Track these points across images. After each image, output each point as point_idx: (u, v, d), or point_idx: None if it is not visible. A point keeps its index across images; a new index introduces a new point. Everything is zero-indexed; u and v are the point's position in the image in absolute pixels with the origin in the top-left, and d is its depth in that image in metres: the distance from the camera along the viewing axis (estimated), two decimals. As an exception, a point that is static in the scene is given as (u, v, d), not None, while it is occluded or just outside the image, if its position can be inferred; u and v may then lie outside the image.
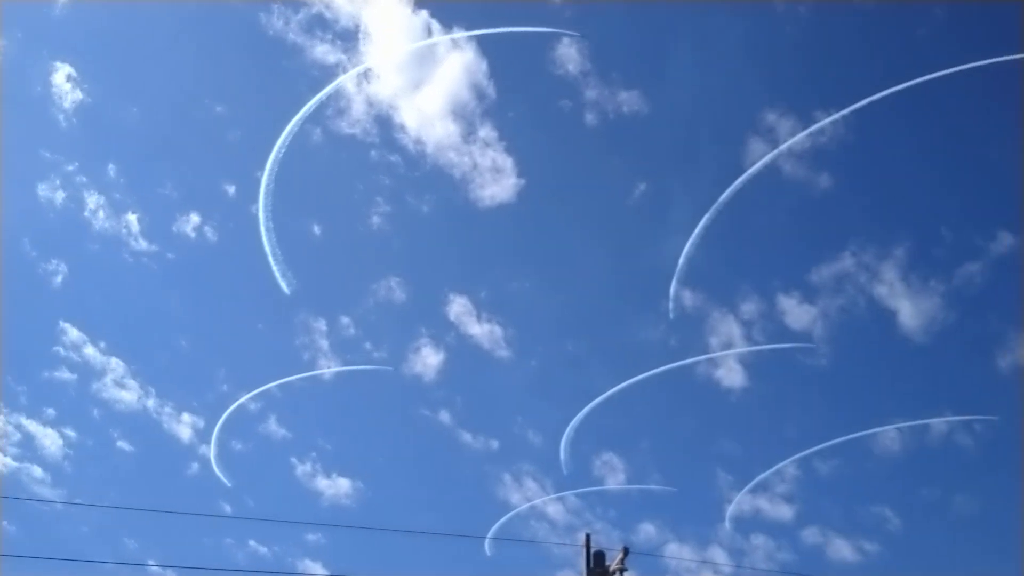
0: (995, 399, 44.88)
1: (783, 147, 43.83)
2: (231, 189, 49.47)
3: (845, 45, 48.39)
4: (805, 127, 44.06)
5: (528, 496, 47.47)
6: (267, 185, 41.71)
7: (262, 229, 41.68)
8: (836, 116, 41.98)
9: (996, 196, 47.55)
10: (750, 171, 41.19)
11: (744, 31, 48.82)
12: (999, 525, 44.68)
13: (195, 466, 48.02)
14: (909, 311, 45.38)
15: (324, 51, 47.12)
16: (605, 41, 49.31)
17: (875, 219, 48.97)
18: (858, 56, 47.93)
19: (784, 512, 45.04)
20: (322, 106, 45.56)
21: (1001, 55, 38.64)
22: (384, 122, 49.31)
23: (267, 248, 41.81)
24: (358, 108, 48.66)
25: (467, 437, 49.73)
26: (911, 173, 48.62)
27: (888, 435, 44.10)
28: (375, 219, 50.73)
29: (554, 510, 46.71)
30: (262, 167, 41.38)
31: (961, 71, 37.76)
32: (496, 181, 49.32)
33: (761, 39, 48.90)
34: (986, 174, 47.62)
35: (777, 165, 44.18)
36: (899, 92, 37.81)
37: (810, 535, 45.42)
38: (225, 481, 45.48)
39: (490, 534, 36.14)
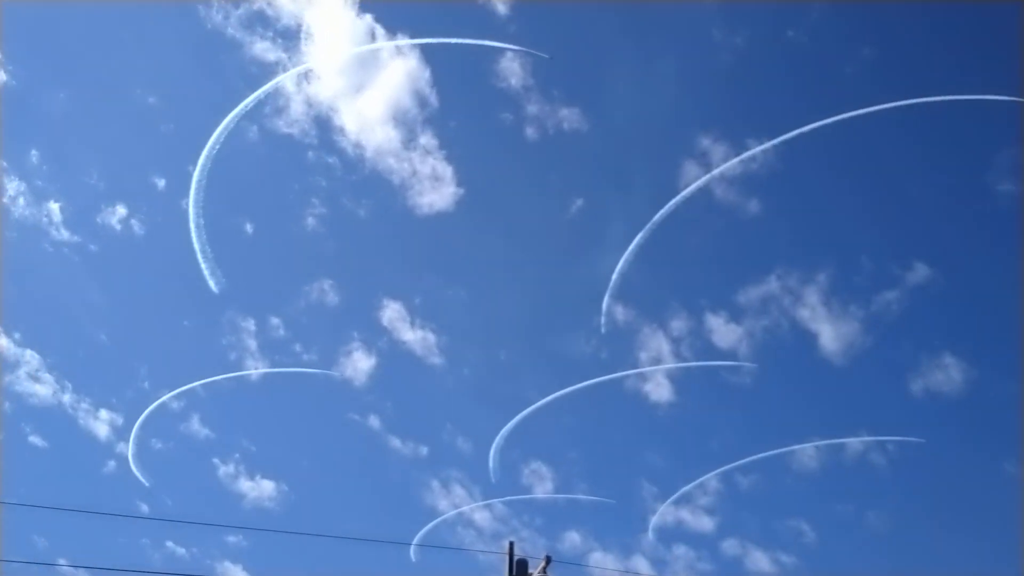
0: (907, 421, 46.99)
1: (716, 172, 45.23)
2: (160, 182, 48.30)
3: (778, 77, 50.29)
4: (737, 153, 45.50)
5: (456, 503, 47.50)
6: (199, 180, 40.81)
7: (191, 225, 40.76)
8: (767, 145, 43.51)
9: (914, 229, 50.05)
10: (684, 193, 42.40)
11: (683, 57, 50.31)
12: (908, 541, 46.85)
13: (112, 464, 46.57)
14: (829, 334, 47.19)
15: (264, 48, 46.56)
16: (548, 58, 50.00)
17: (800, 245, 50.88)
18: (790, 88, 49.88)
19: (705, 524, 46.21)
20: (260, 104, 44.94)
21: (923, 96, 40.78)
22: (323, 124, 48.97)
23: (196, 244, 40.88)
24: (297, 108, 48.21)
25: (396, 442, 49.52)
26: (835, 203, 50.74)
27: (806, 452, 45.73)
28: (310, 220, 50.24)
29: (481, 517, 46.83)
30: (194, 161, 40.45)
31: (885, 109, 39.72)
32: (435, 189, 49.43)
33: (699, 66, 50.41)
34: (905, 207, 50.09)
35: (709, 188, 45.54)
36: (827, 125, 39.54)
37: (730, 547, 46.70)
38: (143, 480, 44.18)
39: (416, 540, 36.02)
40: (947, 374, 46.04)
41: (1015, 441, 45.21)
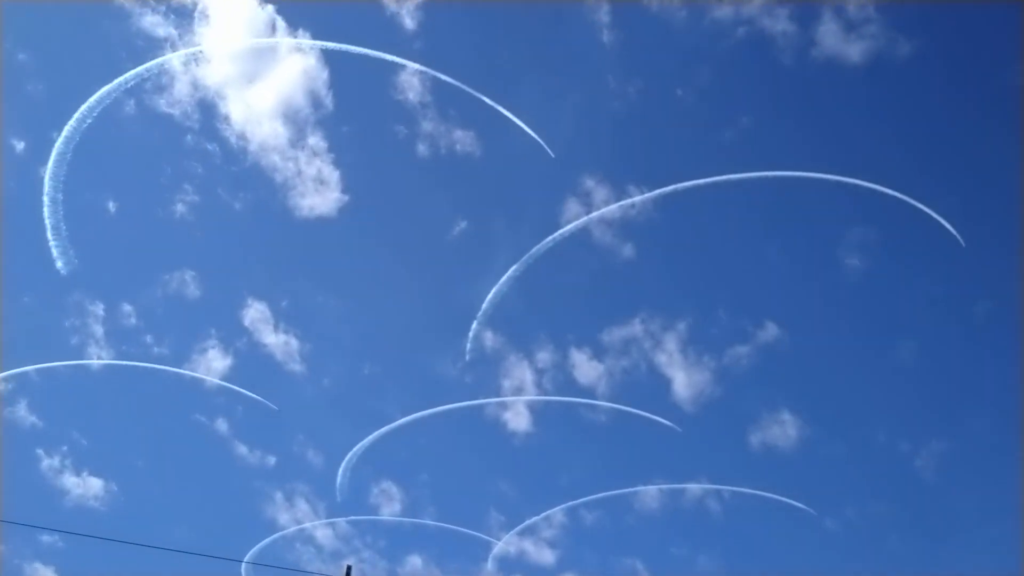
0: (744, 471, 49.45)
1: (596, 213, 46.77)
2: (19, 145, 45.02)
3: (664, 131, 52.44)
4: (619, 198, 47.27)
5: (298, 518, 46.13)
6: (62, 150, 38.51)
7: (45, 197, 38.30)
8: (647, 195, 45.52)
9: (769, 290, 53.16)
10: (564, 229, 43.70)
11: (578, 98, 51.68)
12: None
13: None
14: (683, 381, 49.25)
15: (154, 22, 44.50)
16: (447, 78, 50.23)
17: (665, 293, 52.95)
18: (673, 143, 52.13)
19: (547, 556, 46.87)
20: (141, 79, 42.83)
21: (791, 169, 43.91)
22: (207, 109, 47.12)
23: (47, 218, 38.49)
24: (181, 89, 46.22)
25: (242, 449, 47.65)
26: (702, 257, 53.22)
27: (650, 494, 47.34)
28: (179, 207, 47.98)
29: (323, 535, 45.69)
30: (60, 129, 38.29)
31: (756, 177, 42.53)
32: (318, 192, 48.43)
33: (592, 109, 51.90)
34: (764, 269, 53.15)
35: (588, 228, 46.97)
36: (704, 185, 42.04)
37: (567, 581, 47.54)
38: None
39: (250, 555, 34.73)
40: (783, 430, 49.01)
41: (839, 498, 48.68)
